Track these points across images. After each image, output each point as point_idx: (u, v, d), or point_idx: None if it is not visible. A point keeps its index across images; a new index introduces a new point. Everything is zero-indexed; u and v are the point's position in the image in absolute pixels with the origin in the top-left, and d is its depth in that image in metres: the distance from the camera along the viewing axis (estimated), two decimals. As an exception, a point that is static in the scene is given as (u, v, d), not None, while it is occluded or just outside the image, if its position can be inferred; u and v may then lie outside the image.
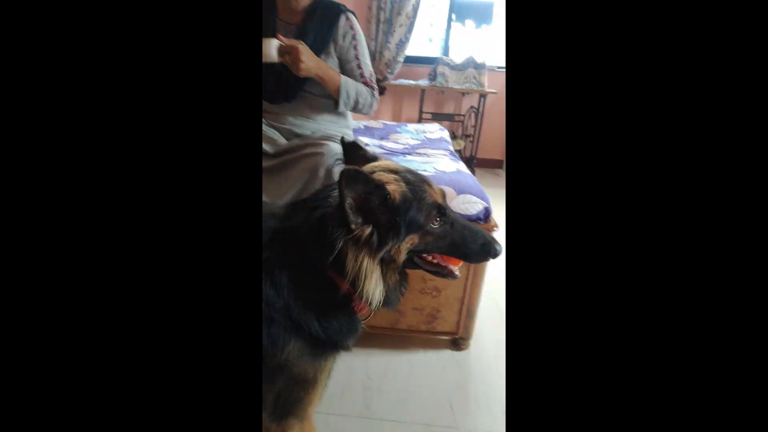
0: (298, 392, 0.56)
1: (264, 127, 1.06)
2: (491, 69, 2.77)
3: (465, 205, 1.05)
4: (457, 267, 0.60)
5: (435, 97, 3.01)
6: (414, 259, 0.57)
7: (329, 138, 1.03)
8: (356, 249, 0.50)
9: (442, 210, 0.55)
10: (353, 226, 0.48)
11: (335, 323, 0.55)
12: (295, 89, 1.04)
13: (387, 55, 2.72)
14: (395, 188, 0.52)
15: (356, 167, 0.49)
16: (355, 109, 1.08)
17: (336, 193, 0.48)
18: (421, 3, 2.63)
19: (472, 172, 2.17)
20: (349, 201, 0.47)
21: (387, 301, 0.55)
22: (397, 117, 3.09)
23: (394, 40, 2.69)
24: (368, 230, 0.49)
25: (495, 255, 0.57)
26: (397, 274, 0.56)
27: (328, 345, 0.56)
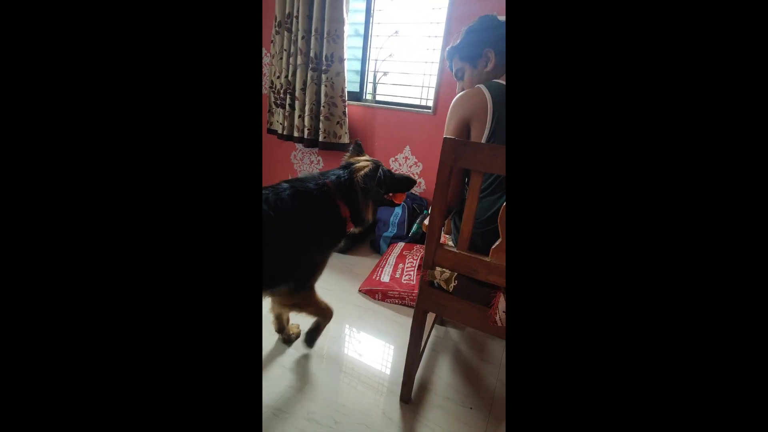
0: (321, 268, 1.05)
1: None
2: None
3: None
4: (401, 201, 1.17)
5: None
6: (383, 197, 1.12)
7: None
8: (367, 196, 1.05)
9: (392, 173, 1.14)
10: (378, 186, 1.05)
11: (340, 236, 1.06)
12: None
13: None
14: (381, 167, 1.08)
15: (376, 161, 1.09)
16: None
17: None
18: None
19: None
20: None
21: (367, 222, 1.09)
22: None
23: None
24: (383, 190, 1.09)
25: (414, 183, 1.19)
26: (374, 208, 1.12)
27: (334, 246, 1.07)
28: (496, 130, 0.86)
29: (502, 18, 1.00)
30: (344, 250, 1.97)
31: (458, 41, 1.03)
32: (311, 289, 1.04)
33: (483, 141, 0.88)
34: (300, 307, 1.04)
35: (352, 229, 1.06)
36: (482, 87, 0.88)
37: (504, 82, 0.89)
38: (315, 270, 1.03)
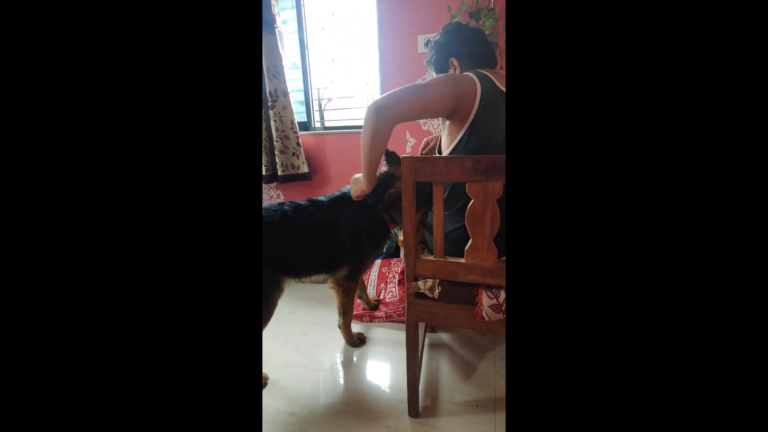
0: (366, 264, 1.29)
1: None
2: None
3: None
4: None
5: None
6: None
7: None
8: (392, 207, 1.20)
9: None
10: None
11: (383, 237, 1.25)
12: None
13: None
14: None
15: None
16: None
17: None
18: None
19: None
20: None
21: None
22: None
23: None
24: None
25: None
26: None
27: (379, 246, 1.27)
28: (480, 118, 0.87)
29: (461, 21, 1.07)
30: (322, 279, 1.95)
31: (430, 55, 1.08)
32: (356, 283, 1.31)
33: (466, 127, 0.89)
34: (345, 292, 1.29)
35: (395, 229, 1.30)
36: (471, 74, 0.89)
37: (488, 74, 0.90)
38: (364, 263, 1.26)
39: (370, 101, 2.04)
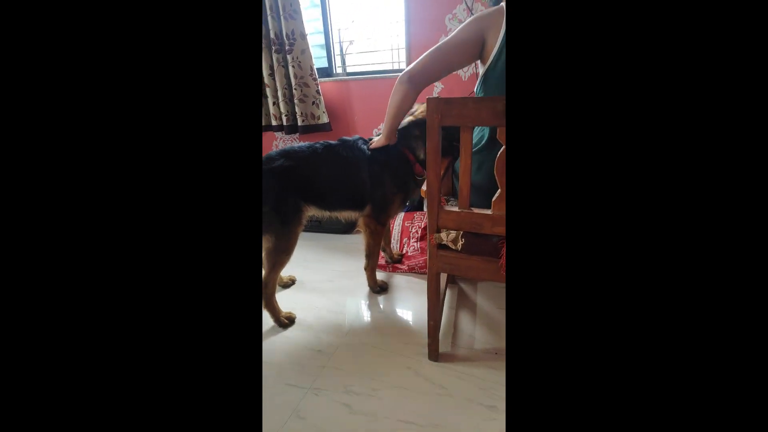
0: (391, 206, 1.30)
1: None
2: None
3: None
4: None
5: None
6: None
7: None
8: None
9: None
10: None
11: (407, 178, 1.28)
12: None
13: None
14: None
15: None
16: None
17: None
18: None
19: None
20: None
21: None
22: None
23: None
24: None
25: None
26: None
27: (403, 188, 1.29)
28: (503, 50, 0.88)
29: None
30: (348, 230, 1.98)
31: None
32: (384, 226, 1.36)
33: (490, 59, 0.90)
34: (372, 233, 1.33)
35: (424, 173, 1.27)
36: (504, 3, 0.92)
37: None
38: (387, 204, 1.29)
39: (395, 44, 1.90)
